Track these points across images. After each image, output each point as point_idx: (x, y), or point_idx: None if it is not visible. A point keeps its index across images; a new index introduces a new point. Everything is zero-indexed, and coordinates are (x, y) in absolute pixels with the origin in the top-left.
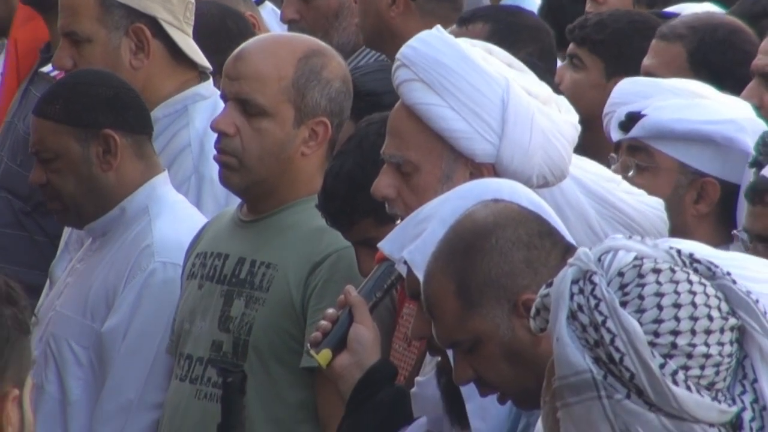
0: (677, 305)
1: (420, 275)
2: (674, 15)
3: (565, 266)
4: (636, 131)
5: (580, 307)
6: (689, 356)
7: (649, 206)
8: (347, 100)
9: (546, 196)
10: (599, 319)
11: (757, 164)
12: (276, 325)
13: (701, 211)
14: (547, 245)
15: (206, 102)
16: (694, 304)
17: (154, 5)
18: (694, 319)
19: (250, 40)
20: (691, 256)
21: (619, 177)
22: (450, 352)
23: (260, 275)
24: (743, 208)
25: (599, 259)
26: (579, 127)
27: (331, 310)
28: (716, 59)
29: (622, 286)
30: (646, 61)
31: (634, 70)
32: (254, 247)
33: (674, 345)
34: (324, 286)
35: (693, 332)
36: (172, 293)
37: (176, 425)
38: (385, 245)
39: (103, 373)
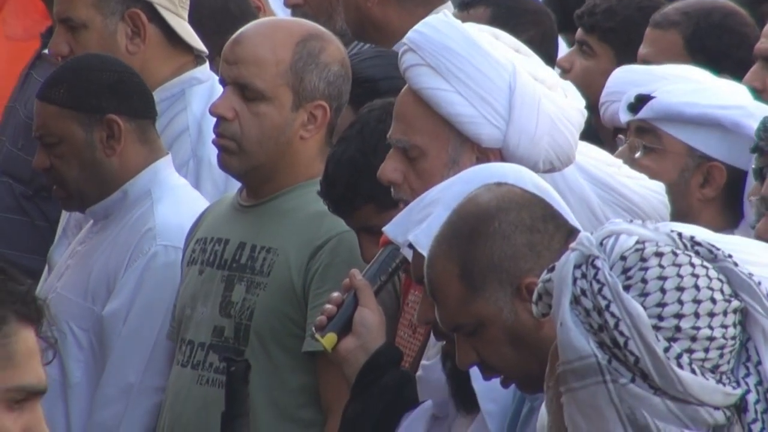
0: (680, 288)
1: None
2: None
3: (567, 250)
4: (645, 113)
5: (583, 291)
6: (693, 339)
7: (651, 190)
8: (346, 84)
9: (548, 181)
10: (603, 303)
11: (758, 149)
12: (277, 310)
13: (707, 195)
14: (550, 229)
15: (203, 86)
16: (697, 287)
17: None
18: (697, 302)
19: (248, 25)
20: (692, 239)
21: (620, 161)
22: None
23: (261, 260)
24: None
25: (601, 244)
26: (585, 113)
27: (336, 294)
28: (713, 43)
29: (625, 270)
30: (642, 50)
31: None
32: (254, 232)
33: (678, 328)
34: (325, 270)
35: (696, 315)
36: (173, 277)
37: (177, 411)
38: (390, 229)
39: (104, 356)
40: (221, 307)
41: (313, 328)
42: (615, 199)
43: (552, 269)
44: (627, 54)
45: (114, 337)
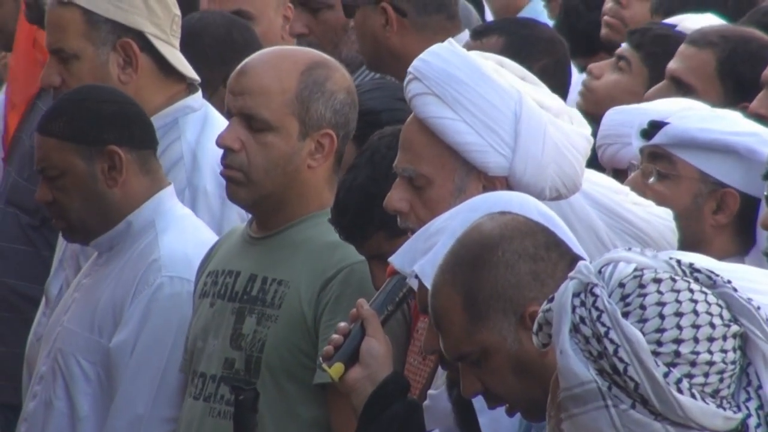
0: (679, 314)
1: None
2: (672, 26)
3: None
4: (659, 138)
5: (582, 319)
6: (693, 364)
7: (658, 217)
8: (352, 112)
9: (554, 209)
10: (602, 330)
11: None
12: (288, 342)
13: (720, 221)
14: (553, 257)
15: (196, 114)
16: (696, 312)
17: (140, 20)
18: (696, 326)
19: (254, 55)
20: (691, 266)
21: (627, 189)
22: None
23: (272, 292)
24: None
25: (599, 272)
26: (591, 140)
27: (342, 324)
28: (745, 71)
29: (624, 297)
30: (673, 64)
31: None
32: (265, 264)
33: (677, 353)
34: (336, 302)
35: (696, 340)
36: (179, 307)
37: None
38: (396, 259)
39: (112, 389)
40: (232, 339)
41: (320, 358)
42: (622, 227)
43: (552, 299)
44: (659, 81)
45: (121, 369)
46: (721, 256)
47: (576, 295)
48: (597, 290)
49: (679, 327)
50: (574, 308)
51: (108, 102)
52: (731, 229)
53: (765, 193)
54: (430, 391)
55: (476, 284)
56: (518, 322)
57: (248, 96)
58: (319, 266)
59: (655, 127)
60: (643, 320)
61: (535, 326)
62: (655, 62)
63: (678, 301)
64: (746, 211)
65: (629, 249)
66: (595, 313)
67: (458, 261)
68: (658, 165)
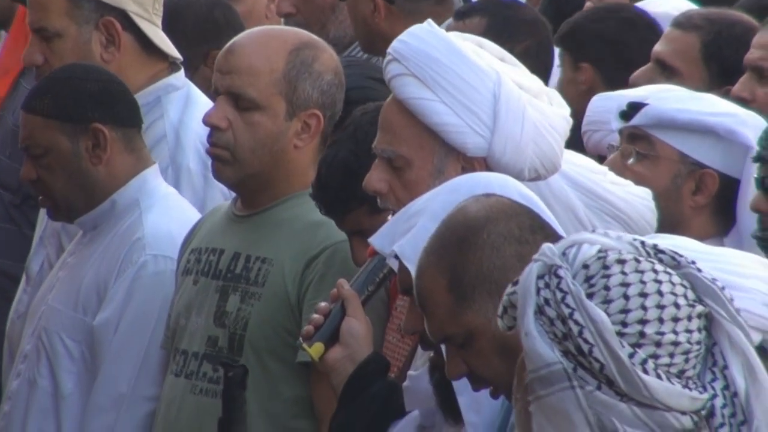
0: (643, 294)
1: (411, 268)
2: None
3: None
4: (638, 119)
5: (546, 301)
6: (658, 344)
7: (637, 196)
8: (339, 93)
9: (533, 189)
10: (566, 311)
11: (761, 159)
12: (272, 320)
13: (699, 202)
14: (538, 239)
15: (179, 92)
16: (660, 293)
17: None
18: (660, 307)
19: (241, 34)
20: (654, 246)
21: (605, 168)
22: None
23: (255, 270)
24: (744, 202)
25: (564, 254)
26: (570, 120)
27: (323, 304)
28: (729, 54)
29: (588, 278)
30: (658, 47)
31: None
32: (249, 242)
33: (642, 334)
34: (320, 281)
35: (660, 320)
36: (163, 286)
37: (171, 420)
38: (376, 240)
39: (96, 367)
40: (215, 317)
41: (300, 338)
42: (601, 206)
43: (516, 283)
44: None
45: (105, 347)
46: (700, 237)
47: (540, 277)
48: (561, 272)
49: (644, 308)
50: (538, 290)
51: (93, 80)
52: (710, 209)
53: (755, 176)
54: (410, 372)
55: (462, 266)
56: None
57: (236, 75)
58: (303, 245)
59: (634, 108)
60: (607, 301)
61: (500, 309)
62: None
63: (642, 282)
64: (725, 191)
65: (593, 231)
66: (559, 295)
67: (444, 243)
68: (637, 146)
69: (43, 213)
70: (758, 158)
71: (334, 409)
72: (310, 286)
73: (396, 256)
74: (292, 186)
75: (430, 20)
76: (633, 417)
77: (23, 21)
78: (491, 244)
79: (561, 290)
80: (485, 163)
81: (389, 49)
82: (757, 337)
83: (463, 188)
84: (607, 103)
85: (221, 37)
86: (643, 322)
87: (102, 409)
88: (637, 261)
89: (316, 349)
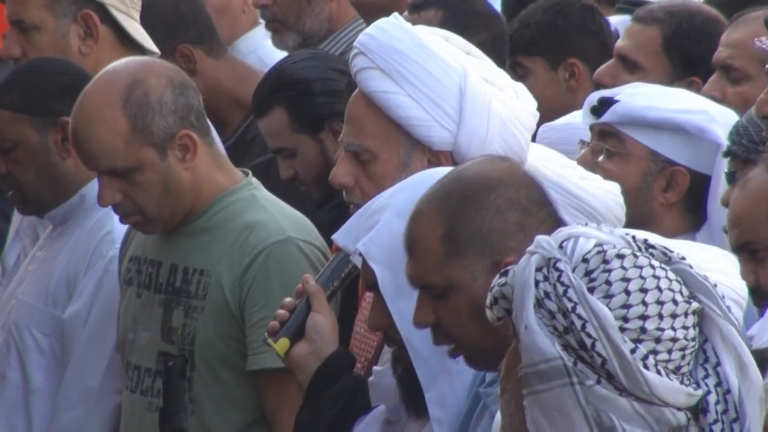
0: (644, 290)
1: (375, 266)
2: None
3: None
4: (608, 116)
5: (546, 294)
6: (657, 340)
7: (606, 191)
8: (186, 94)
9: None
10: (568, 305)
11: (731, 153)
12: (218, 331)
13: (669, 199)
14: (542, 214)
15: None
16: (659, 289)
17: None
18: (660, 303)
19: (74, 113)
20: (646, 242)
21: (573, 163)
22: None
23: (195, 283)
24: (715, 199)
25: (560, 246)
26: (537, 114)
27: (288, 299)
28: (691, 46)
29: (588, 273)
30: (620, 42)
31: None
32: (184, 253)
33: (643, 329)
34: (258, 287)
35: (660, 316)
36: None
37: None
38: (340, 237)
39: (66, 360)
40: (163, 333)
41: (266, 333)
42: (569, 201)
43: (505, 273)
44: (556, 55)
45: (74, 340)
46: (671, 234)
47: (538, 269)
48: (561, 265)
49: (645, 303)
50: (537, 283)
51: (60, 74)
52: (681, 206)
53: (725, 171)
54: (375, 368)
55: (462, 220)
56: (492, 268)
57: (97, 158)
58: (236, 252)
59: (604, 104)
60: (608, 296)
61: (489, 299)
62: (537, 46)
63: (642, 277)
64: (696, 188)
65: (586, 224)
66: (560, 288)
67: (449, 194)
68: (607, 143)
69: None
70: (728, 153)
71: (285, 410)
72: (249, 293)
73: (360, 254)
74: (207, 196)
75: (396, 14)
76: (632, 412)
77: (2, 14)
78: (497, 206)
79: (562, 284)
80: (451, 157)
81: (355, 43)
82: None
83: (425, 183)
84: (551, 134)
85: (188, 31)
86: (644, 317)
87: (72, 403)
88: (635, 256)
89: (281, 345)
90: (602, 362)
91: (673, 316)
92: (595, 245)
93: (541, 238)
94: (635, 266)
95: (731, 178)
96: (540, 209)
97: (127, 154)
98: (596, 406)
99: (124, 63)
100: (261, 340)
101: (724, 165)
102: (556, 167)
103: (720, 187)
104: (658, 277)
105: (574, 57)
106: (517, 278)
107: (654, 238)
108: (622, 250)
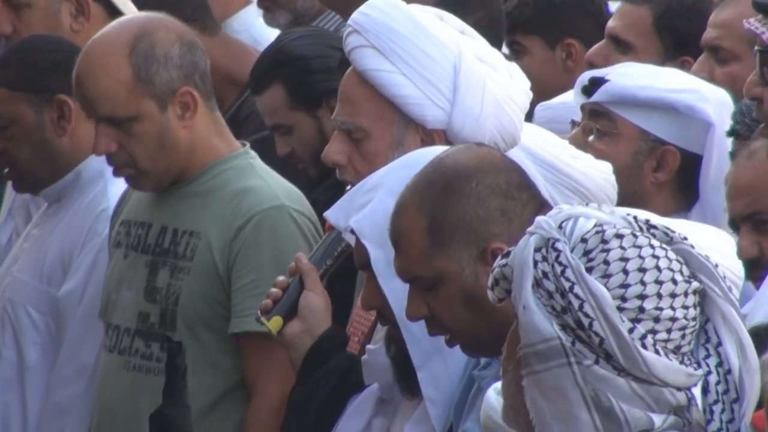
0: (642, 269)
1: (368, 244)
2: None
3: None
4: (599, 96)
5: (545, 274)
6: (656, 320)
7: (597, 170)
8: (193, 53)
9: None
10: (566, 285)
11: (735, 133)
12: (202, 293)
13: (660, 179)
14: (524, 197)
15: None
16: (658, 268)
17: None
18: (659, 282)
19: (80, 59)
20: (647, 222)
21: (565, 142)
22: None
23: (183, 244)
24: (707, 178)
25: (560, 227)
26: (530, 94)
27: (281, 278)
28: (682, 25)
29: (586, 252)
30: (611, 23)
31: (574, 31)
32: (175, 216)
33: (641, 309)
34: (247, 250)
35: (659, 296)
36: None
37: (107, 395)
38: (332, 214)
39: (60, 338)
40: (146, 293)
41: (258, 312)
42: (561, 180)
43: (507, 255)
44: (554, 35)
45: (69, 318)
46: (662, 213)
47: (537, 250)
48: (559, 245)
49: (643, 283)
50: (536, 263)
51: (56, 51)
52: (672, 186)
53: (729, 150)
54: (368, 346)
55: (444, 211)
56: (478, 256)
57: (96, 103)
58: (228, 215)
59: (595, 83)
60: (606, 276)
61: (491, 280)
62: (535, 24)
63: (641, 257)
64: (687, 168)
65: (587, 204)
66: (558, 268)
67: (430, 185)
68: (598, 123)
69: (10, 185)
70: (732, 132)
71: (265, 375)
72: (238, 257)
73: (352, 231)
74: (203, 159)
75: None
76: (630, 392)
77: None
78: (477, 194)
79: (560, 263)
80: (445, 136)
81: (349, 21)
82: None
83: (419, 162)
84: (549, 113)
85: (183, 9)
86: (642, 297)
87: (67, 380)
88: (635, 236)
89: (274, 323)
90: (600, 342)
91: (673, 295)
92: (594, 225)
93: (540, 219)
94: (634, 246)
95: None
96: (521, 192)
97: (126, 103)
98: (594, 386)
99: (135, 15)
100: (246, 304)
101: (728, 144)
102: (547, 146)
103: (712, 166)
104: (657, 257)
105: (572, 37)
106: (516, 259)
107: (656, 219)
108: (621, 230)
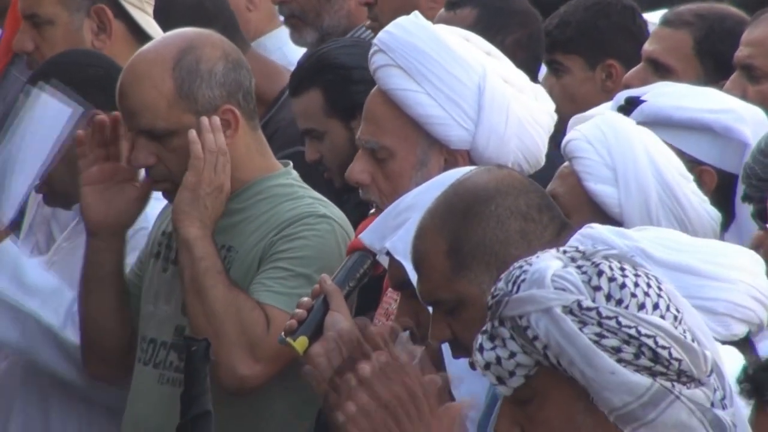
0: (637, 285)
1: (405, 263)
2: None
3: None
4: (635, 116)
5: (599, 335)
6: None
7: (708, 213)
8: (238, 71)
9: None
10: (630, 331)
11: (747, 198)
12: None
13: None
14: (544, 220)
15: None
16: (637, 283)
17: None
18: (647, 294)
19: (124, 71)
20: (576, 248)
21: (691, 177)
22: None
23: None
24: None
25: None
26: (555, 116)
27: (305, 299)
28: (724, 49)
29: (608, 297)
30: (649, 46)
31: (615, 52)
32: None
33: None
34: (283, 242)
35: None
36: None
37: (139, 408)
38: (366, 236)
39: None
40: (183, 306)
41: (283, 333)
42: (672, 206)
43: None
44: (595, 55)
45: None
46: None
47: (568, 314)
48: (586, 302)
49: (646, 294)
50: (580, 329)
51: (95, 66)
52: None
53: (750, 213)
54: None
55: (464, 234)
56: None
57: (137, 115)
58: (266, 228)
59: (631, 103)
60: (641, 307)
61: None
62: (575, 44)
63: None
64: (723, 187)
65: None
66: (610, 322)
67: (450, 208)
68: None
69: (32, 200)
70: (745, 197)
71: None
72: (273, 246)
73: (387, 253)
74: (244, 176)
75: (417, 12)
76: (704, 398)
77: (16, 8)
78: (497, 216)
79: (607, 317)
80: (468, 157)
81: (375, 40)
82: (742, 329)
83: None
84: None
85: (212, 26)
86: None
87: None
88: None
89: (300, 343)
90: (678, 364)
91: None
92: (577, 269)
93: (535, 292)
94: (626, 267)
95: (757, 218)
96: (542, 214)
97: (167, 117)
98: (700, 407)
99: (183, 29)
100: (262, 280)
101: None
102: (675, 171)
103: None
104: (627, 276)
105: (613, 58)
106: (552, 340)
107: (652, 234)
108: (612, 257)
